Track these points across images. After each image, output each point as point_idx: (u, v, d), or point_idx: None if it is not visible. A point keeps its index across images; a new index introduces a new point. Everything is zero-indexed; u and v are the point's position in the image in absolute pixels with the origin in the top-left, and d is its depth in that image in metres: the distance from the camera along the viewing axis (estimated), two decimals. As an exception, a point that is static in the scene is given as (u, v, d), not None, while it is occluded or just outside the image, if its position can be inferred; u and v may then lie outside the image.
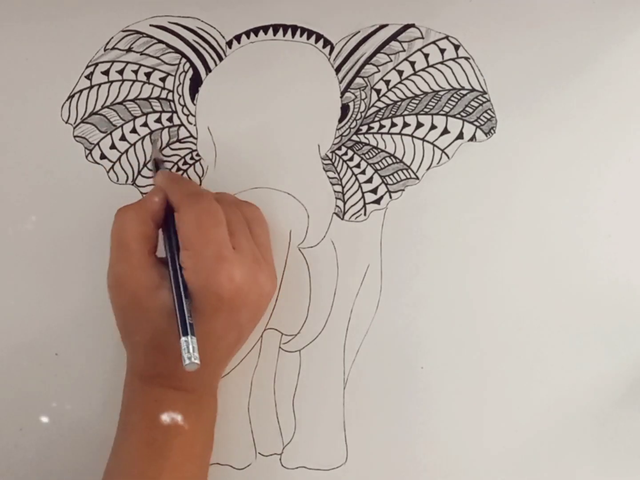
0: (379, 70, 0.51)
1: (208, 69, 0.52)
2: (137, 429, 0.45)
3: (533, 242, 0.51)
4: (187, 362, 0.40)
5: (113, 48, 0.51)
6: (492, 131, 0.51)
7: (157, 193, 0.46)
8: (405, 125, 0.51)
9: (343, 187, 0.52)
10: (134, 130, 0.52)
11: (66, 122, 0.52)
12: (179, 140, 0.52)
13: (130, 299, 0.44)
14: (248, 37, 0.52)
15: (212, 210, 0.44)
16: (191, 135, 0.52)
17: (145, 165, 0.52)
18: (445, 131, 0.51)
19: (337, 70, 0.51)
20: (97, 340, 0.52)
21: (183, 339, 0.41)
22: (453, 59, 0.51)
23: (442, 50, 0.51)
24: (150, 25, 0.51)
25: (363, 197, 0.52)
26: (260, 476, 0.52)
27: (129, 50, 0.51)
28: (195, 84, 0.52)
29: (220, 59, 0.52)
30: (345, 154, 0.52)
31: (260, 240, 0.48)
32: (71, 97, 0.52)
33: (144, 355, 0.45)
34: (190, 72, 0.52)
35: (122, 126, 0.52)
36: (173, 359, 0.43)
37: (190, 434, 0.45)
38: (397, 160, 0.52)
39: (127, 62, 0.52)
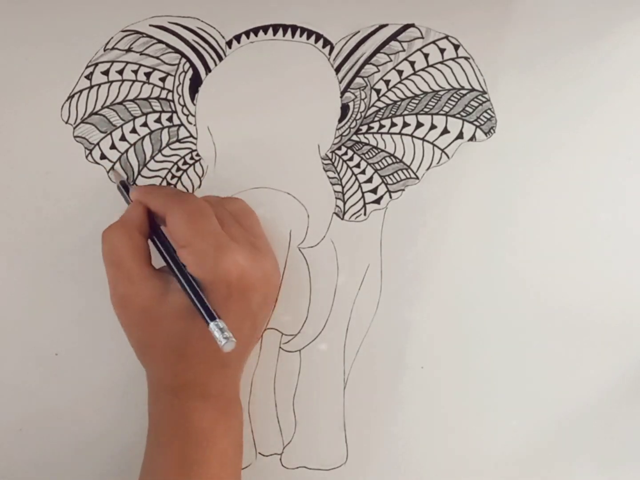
0: (378, 70, 0.51)
1: (208, 69, 0.52)
2: (169, 444, 0.45)
3: (533, 242, 0.51)
4: (223, 342, 0.39)
5: (113, 48, 0.51)
6: (492, 131, 0.51)
7: (136, 206, 0.47)
8: (405, 125, 0.51)
9: (343, 187, 0.52)
10: (134, 131, 0.52)
11: (66, 122, 0.52)
12: (178, 140, 0.52)
13: (140, 314, 0.44)
14: (248, 37, 0.51)
15: (200, 205, 0.44)
16: (191, 135, 0.52)
17: (145, 165, 0.52)
18: (445, 131, 0.51)
19: (337, 70, 0.51)
20: (97, 340, 0.52)
21: (212, 324, 0.40)
22: (453, 59, 0.51)
23: (442, 50, 0.51)
24: (150, 25, 0.51)
25: (363, 197, 0.52)
26: (260, 476, 0.52)
27: (129, 50, 0.51)
28: (195, 84, 0.52)
29: (220, 59, 0.52)
30: (345, 153, 0.52)
31: (254, 230, 0.48)
32: (71, 97, 0.52)
33: (166, 367, 0.45)
34: (190, 72, 0.52)
35: (122, 126, 0.52)
36: (196, 364, 0.44)
37: (223, 442, 0.45)
38: (397, 160, 0.52)
39: (127, 62, 0.52)
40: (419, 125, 0.51)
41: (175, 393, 0.45)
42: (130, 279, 0.44)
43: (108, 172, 0.52)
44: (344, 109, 0.52)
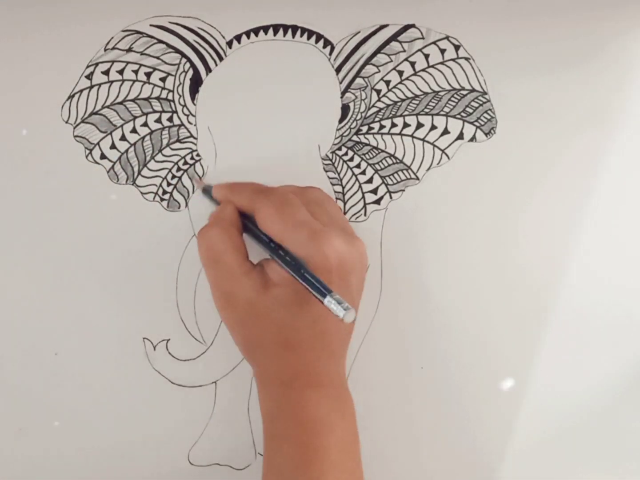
0: (379, 71, 0.51)
1: (208, 69, 0.52)
2: (287, 436, 0.44)
3: (533, 242, 0.51)
4: (343, 313, 0.38)
5: (113, 48, 0.51)
6: (492, 131, 0.51)
7: (226, 204, 0.46)
8: (406, 125, 0.51)
9: (343, 188, 0.52)
10: (134, 130, 0.52)
11: (66, 122, 0.52)
12: (179, 140, 0.52)
13: (245, 309, 0.44)
14: (248, 37, 0.51)
15: (287, 197, 0.44)
16: (191, 135, 0.52)
17: (145, 165, 0.52)
18: (446, 131, 0.52)
19: (338, 70, 0.51)
20: (97, 340, 0.52)
21: (327, 298, 0.39)
22: (453, 60, 0.51)
23: (443, 51, 0.51)
24: (151, 25, 0.51)
25: (363, 197, 0.52)
26: (260, 476, 0.52)
27: (129, 50, 0.51)
28: (196, 84, 0.52)
29: (221, 59, 0.51)
30: (346, 154, 0.52)
31: (338, 216, 0.48)
32: (71, 97, 0.52)
33: (275, 360, 0.44)
34: (191, 72, 0.52)
35: (122, 126, 0.52)
36: (305, 354, 0.43)
37: (340, 429, 0.44)
38: (398, 161, 0.52)
39: (128, 62, 0.51)
40: (420, 125, 0.52)
41: (287, 385, 0.44)
42: (232, 275, 0.44)
43: (108, 172, 0.52)
44: (345, 109, 0.52)
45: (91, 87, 0.52)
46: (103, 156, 0.52)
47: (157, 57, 0.52)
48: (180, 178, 0.52)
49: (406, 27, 0.52)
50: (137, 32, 0.51)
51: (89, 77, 0.52)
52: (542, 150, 0.51)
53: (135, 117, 0.52)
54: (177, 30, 0.51)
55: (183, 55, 0.51)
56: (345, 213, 0.52)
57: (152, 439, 0.52)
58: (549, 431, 0.51)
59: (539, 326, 0.51)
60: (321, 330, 0.43)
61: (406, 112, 0.52)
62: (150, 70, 0.52)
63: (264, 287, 0.43)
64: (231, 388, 0.52)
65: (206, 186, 0.50)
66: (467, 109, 0.51)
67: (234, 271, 0.44)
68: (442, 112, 0.51)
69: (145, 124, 0.52)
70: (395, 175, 0.52)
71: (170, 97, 0.52)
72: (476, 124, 0.51)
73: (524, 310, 0.51)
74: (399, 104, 0.52)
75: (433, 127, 0.52)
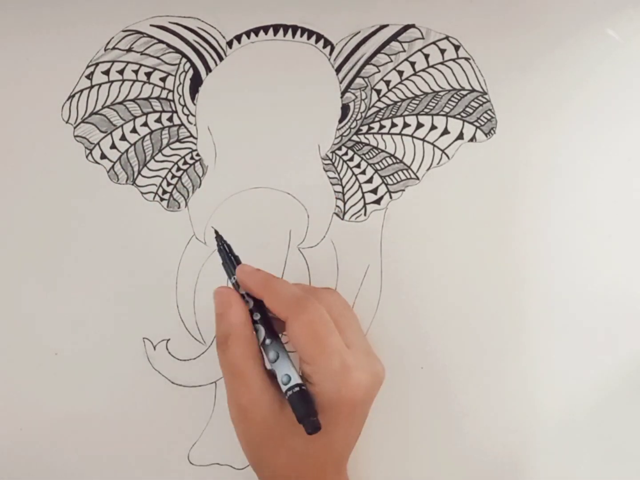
0: (379, 71, 0.51)
1: (208, 69, 0.52)
2: None
3: (533, 243, 0.51)
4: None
5: (114, 48, 0.51)
6: (492, 132, 0.51)
7: (242, 311, 0.44)
8: (406, 125, 0.51)
9: (343, 187, 0.52)
10: (134, 130, 0.52)
11: (66, 122, 0.52)
12: (179, 140, 0.52)
13: (261, 428, 0.43)
14: (248, 37, 0.52)
15: (323, 317, 0.43)
16: (191, 135, 0.52)
17: (145, 164, 0.52)
18: (446, 131, 0.52)
19: (338, 70, 0.52)
20: (97, 340, 0.52)
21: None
22: (453, 60, 0.51)
23: (443, 51, 0.51)
24: (151, 25, 0.51)
25: (363, 197, 0.52)
26: (260, 476, 0.52)
27: (130, 50, 0.51)
28: (196, 84, 0.52)
29: (221, 58, 0.52)
30: (346, 154, 0.52)
31: (358, 328, 0.47)
32: (71, 97, 0.52)
33: None
34: (191, 72, 0.52)
35: (122, 126, 0.52)
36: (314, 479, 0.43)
37: None
38: (398, 161, 0.52)
39: (128, 62, 0.52)
40: (420, 125, 0.52)
41: None
42: (250, 391, 0.43)
43: (108, 172, 0.52)
44: (345, 109, 0.52)
45: (91, 87, 0.52)
46: (103, 156, 0.52)
47: (157, 57, 0.52)
48: (180, 178, 0.52)
49: (406, 27, 0.52)
50: (138, 32, 0.51)
51: (89, 77, 0.52)
52: (541, 150, 0.51)
53: (135, 117, 0.52)
54: (177, 30, 0.51)
55: (183, 55, 0.52)
56: (345, 213, 0.52)
57: (152, 439, 0.52)
58: (548, 432, 0.51)
59: (539, 325, 0.51)
60: (335, 457, 0.43)
61: (406, 112, 0.52)
62: (151, 70, 0.52)
63: (280, 407, 0.43)
64: (231, 388, 0.52)
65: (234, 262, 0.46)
66: (467, 109, 0.51)
67: (253, 389, 0.43)
68: (442, 112, 0.51)
69: (145, 124, 0.52)
70: (395, 175, 0.52)
71: (170, 97, 0.52)
72: (476, 124, 0.51)
73: (524, 310, 0.51)
74: (399, 104, 0.52)
75: (433, 127, 0.52)
